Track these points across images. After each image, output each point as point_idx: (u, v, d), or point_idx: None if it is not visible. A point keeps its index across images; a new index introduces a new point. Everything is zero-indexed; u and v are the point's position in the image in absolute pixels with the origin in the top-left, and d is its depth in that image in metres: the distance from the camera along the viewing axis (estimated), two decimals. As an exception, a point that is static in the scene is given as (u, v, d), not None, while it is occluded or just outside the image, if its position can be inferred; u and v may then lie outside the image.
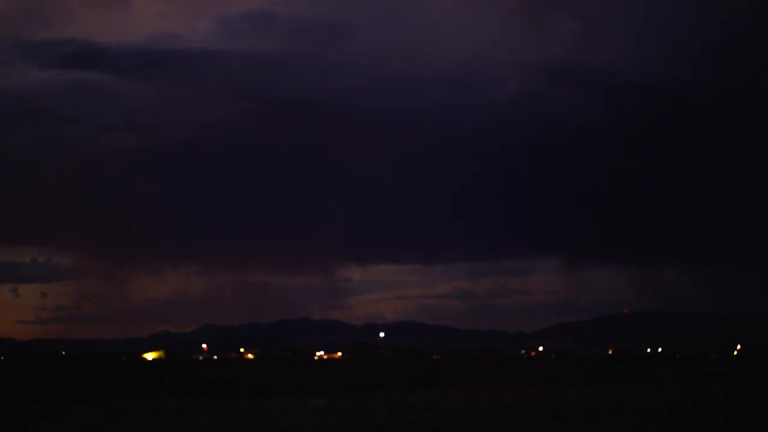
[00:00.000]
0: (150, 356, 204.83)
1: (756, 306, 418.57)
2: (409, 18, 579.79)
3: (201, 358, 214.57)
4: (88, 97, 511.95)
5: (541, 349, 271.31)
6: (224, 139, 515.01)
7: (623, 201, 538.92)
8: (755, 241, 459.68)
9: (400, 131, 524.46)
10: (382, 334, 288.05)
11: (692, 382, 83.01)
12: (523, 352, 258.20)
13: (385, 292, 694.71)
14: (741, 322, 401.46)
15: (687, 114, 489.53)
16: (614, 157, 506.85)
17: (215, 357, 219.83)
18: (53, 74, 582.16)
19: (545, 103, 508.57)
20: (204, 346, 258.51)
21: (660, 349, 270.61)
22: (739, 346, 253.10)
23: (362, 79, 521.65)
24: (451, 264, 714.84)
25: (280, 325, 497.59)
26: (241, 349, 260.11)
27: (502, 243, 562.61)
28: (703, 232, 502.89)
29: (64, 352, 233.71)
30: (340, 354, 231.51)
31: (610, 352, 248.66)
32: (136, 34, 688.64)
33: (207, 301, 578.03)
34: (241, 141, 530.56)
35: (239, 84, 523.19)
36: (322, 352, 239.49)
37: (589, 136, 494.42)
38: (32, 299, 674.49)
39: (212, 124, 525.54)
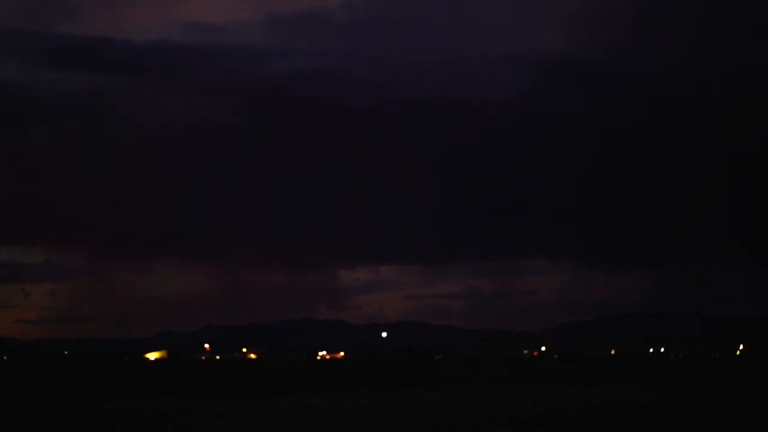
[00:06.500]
0: (152, 356, 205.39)
1: (760, 307, 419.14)
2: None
3: (203, 358, 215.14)
4: (93, 96, 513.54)
5: (543, 349, 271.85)
6: (228, 139, 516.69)
7: (627, 203, 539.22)
8: (758, 241, 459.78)
9: (404, 132, 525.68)
10: (384, 334, 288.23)
11: (694, 382, 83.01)
12: (525, 352, 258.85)
13: (388, 293, 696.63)
14: (745, 323, 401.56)
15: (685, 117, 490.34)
16: (618, 158, 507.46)
17: (218, 357, 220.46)
18: (56, 73, 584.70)
19: (556, 105, 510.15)
20: (206, 346, 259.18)
21: (662, 349, 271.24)
22: (741, 346, 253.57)
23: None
24: (455, 264, 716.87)
25: (282, 325, 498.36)
26: (244, 349, 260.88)
27: (505, 243, 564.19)
28: (706, 233, 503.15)
29: (66, 352, 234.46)
30: (342, 354, 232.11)
31: (612, 352, 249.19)
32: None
33: (210, 301, 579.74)
34: (245, 141, 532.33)
35: (236, 81, 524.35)
36: (324, 352, 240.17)
37: (592, 138, 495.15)
38: (36, 299, 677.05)
39: (210, 123, 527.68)
